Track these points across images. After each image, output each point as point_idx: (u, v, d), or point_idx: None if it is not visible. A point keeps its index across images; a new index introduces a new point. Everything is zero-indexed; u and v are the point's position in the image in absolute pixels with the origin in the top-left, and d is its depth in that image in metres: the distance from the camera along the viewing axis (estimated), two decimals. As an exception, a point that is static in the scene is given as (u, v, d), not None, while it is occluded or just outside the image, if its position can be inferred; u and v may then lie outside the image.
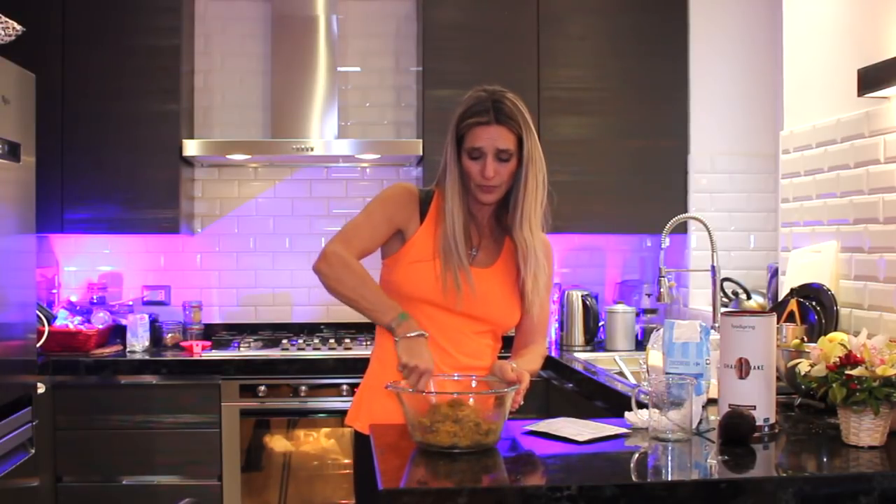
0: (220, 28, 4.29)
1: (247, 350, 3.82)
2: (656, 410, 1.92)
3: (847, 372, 1.83)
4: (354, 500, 2.36)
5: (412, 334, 2.07)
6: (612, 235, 4.35)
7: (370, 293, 2.15)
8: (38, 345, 3.42)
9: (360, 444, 2.26)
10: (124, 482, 3.60)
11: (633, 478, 1.73)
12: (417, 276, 2.20)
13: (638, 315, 4.07)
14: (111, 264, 4.25)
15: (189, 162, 4.08)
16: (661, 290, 3.40)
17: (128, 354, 3.81)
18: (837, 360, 1.87)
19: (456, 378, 2.11)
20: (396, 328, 2.09)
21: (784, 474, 1.73)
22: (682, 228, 3.93)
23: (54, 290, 4.15)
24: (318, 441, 3.70)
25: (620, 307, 4.00)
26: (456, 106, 2.22)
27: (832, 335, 2.09)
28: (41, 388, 3.33)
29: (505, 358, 2.21)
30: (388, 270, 2.27)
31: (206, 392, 3.62)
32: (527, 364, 2.19)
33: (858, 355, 1.85)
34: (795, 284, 2.85)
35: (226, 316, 4.29)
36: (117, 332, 4.00)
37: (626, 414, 2.07)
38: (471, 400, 1.86)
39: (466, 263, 2.19)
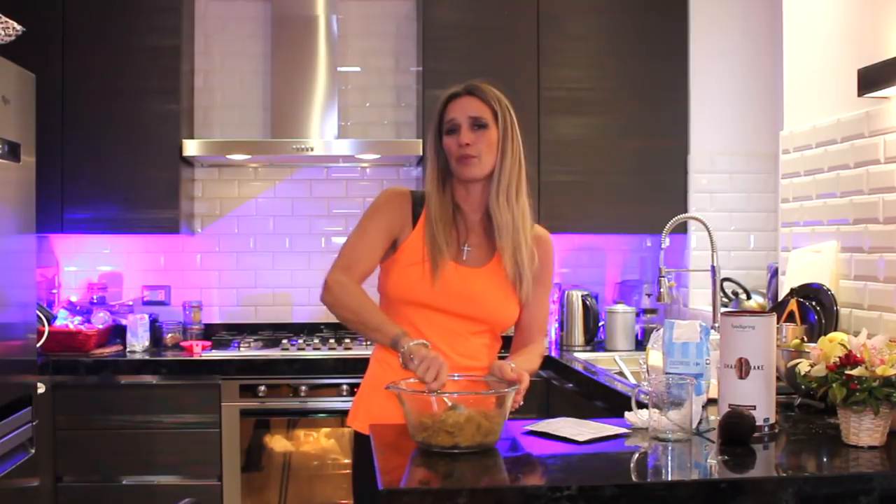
0: (220, 28, 4.29)
1: (247, 350, 3.82)
2: (656, 410, 1.92)
3: (847, 372, 1.83)
4: (353, 501, 2.35)
5: (415, 342, 2.06)
6: (612, 235, 4.35)
7: (371, 315, 2.16)
8: (38, 345, 3.42)
9: (360, 444, 2.26)
10: (124, 482, 3.60)
11: (633, 478, 1.73)
12: (410, 280, 2.20)
13: (638, 315, 4.07)
14: (111, 264, 4.25)
15: (189, 162, 4.08)
16: (661, 290, 3.40)
17: (128, 354, 3.81)
18: (837, 360, 1.87)
19: (456, 378, 2.11)
20: (400, 340, 2.07)
21: (784, 474, 1.73)
22: (682, 228, 3.93)
23: (54, 290, 4.15)
24: (318, 441, 3.70)
25: (620, 307, 4.00)
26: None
27: (832, 335, 2.09)
28: (41, 388, 3.33)
29: (504, 358, 2.21)
30: (384, 274, 2.27)
31: (206, 392, 3.62)
32: (525, 364, 2.19)
33: (858, 355, 1.85)
34: (795, 284, 2.84)
35: (226, 316, 4.30)
36: (117, 332, 4.00)
37: (626, 414, 2.07)
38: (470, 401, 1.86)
39: (447, 251, 2.19)
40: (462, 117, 2.19)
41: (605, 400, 2.91)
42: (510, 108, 2.23)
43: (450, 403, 1.87)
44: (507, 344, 2.37)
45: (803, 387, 2.00)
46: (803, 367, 1.97)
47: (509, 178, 2.21)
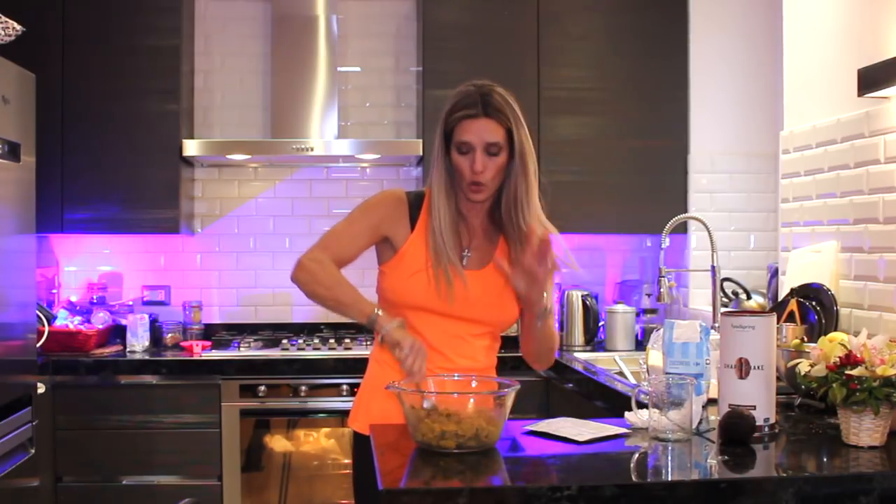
0: (220, 28, 4.29)
1: (247, 350, 3.82)
2: (656, 410, 1.92)
3: (847, 372, 1.83)
4: (354, 502, 2.35)
5: (394, 323, 2.08)
6: (612, 235, 4.35)
7: (345, 291, 2.16)
8: (38, 345, 3.42)
9: (360, 445, 2.25)
10: (124, 482, 3.60)
11: (633, 478, 1.73)
12: (415, 287, 2.19)
13: (638, 315, 4.07)
14: (111, 264, 4.25)
15: (189, 162, 4.08)
16: (661, 290, 3.41)
17: (128, 354, 3.81)
18: (837, 360, 1.87)
19: (456, 378, 2.11)
20: (377, 320, 2.09)
21: (784, 474, 1.73)
22: (682, 228, 3.93)
23: (54, 290, 4.15)
24: (318, 441, 3.70)
25: (620, 307, 4.00)
26: (445, 102, 2.20)
27: (832, 335, 2.09)
28: (41, 388, 3.33)
29: (504, 357, 2.20)
30: (384, 278, 2.26)
31: (206, 392, 3.62)
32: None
33: (858, 355, 1.85)
34: (795, 284, 2.84)
35: (226, 316, 4.29)
36: (117, 332, 4.00)
37: (626, 414, 2.07)
38: (470, 401, 1.86)
39: (457, 261, 2.18)
40: (477, 142, 2.12)
41: (605, 400, 2.91)
42: (521, 118, 2.16)
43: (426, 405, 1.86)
44: (507, 344, 2.37)
45: (803, 387, 2.00)
46: (803, 367, 1.97)
47: (535, 195, 2.20)
